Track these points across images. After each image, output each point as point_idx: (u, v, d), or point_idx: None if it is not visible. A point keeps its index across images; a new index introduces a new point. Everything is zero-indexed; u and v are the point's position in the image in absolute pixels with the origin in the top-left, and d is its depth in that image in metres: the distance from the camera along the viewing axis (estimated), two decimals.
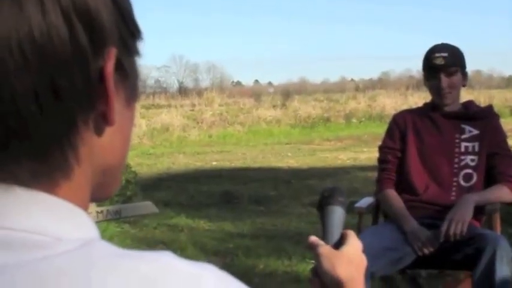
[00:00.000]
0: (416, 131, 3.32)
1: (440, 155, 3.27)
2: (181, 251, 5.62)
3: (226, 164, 13.03)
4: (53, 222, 0.57)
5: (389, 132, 3.41)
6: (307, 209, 7.97)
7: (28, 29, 0.54)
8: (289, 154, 14.49)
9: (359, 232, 3.18)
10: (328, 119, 20.87)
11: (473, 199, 3.07)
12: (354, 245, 1.16)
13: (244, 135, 18.94)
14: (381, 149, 3.42)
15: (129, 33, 0.63)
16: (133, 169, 8.90)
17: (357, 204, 3.32)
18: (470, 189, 3.20)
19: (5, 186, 0.56)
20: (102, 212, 3.80)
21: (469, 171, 3.24)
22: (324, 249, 1.17)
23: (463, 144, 3.27)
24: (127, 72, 0.63)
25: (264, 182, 10.33)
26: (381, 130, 14.54)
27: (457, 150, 3.26)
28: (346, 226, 1.26)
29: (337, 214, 1.20)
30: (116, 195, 8.18)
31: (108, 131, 0.61)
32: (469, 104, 3.43)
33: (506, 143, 3.32)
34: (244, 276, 4.75)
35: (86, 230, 0.59)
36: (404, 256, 3.03)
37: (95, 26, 0.57)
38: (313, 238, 1.19)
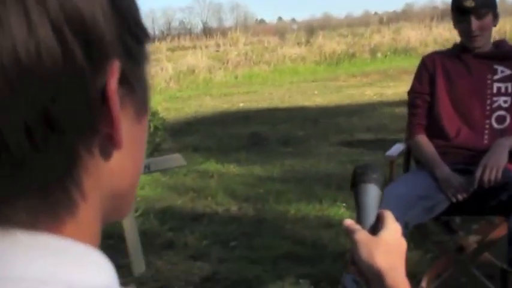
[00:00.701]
0: (447, 73, 3.24)
1: (472, 98, 3.19)
2: (212, 198, 5.66)
3: (253, 105, 12.99)
4: (60, 267, 0.50)
5: (418, 76, 3.34)
6: (336, 148, 7.96)
7: (11, 48, 0.45)
8: (316, 92, 14.40)
9: (391, 181, 3.16)
10: (353, 55, 20.61)
11: (508, 143, 3.02)
12: (392, 228, 1.10)
13: (270, 75, 18.82)
14: (410, 93, 3.35)
15: (134, 39, 0.54)
16: (161, 115, 8.91)
17: (388, 153, 3.27)
18: (503, 132, 3.13)
19: (1, 231, 0.49)
20: None
21: (502, 113, 3.16)
22: (361, 235, 1.10)
23: (495, 85, 3.19)
24: (134, 84, 0.55)
25: (291, 122, 10.31)
26: (407, 64, 14.53)
27: (489, 91, 3.19)
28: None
29: (372, 193, 1.15)
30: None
31: (117, 154, 0.54)
32: (501, 43, 3.33)
33: None
34: (276, 222, 4.78)
35: (98, 273, 0.52)
36: (437, 204, 3.00)
37: (92, 38, 0.49)
38: (349, 222, 1.13)
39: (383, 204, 2.73)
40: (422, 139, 3.23)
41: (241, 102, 13.62)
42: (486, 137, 3.14)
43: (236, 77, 18.73)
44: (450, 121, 3.19)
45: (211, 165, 7.20)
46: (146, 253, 4.23)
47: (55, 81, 0.47)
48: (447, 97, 3.22)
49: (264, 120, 10.68)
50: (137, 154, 0.59)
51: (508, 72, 3.19)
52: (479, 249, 3.11)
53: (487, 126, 3.15)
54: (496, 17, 3.19)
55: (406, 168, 3.45)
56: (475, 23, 3.10)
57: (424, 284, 3.34)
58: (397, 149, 3.38)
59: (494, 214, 3.02)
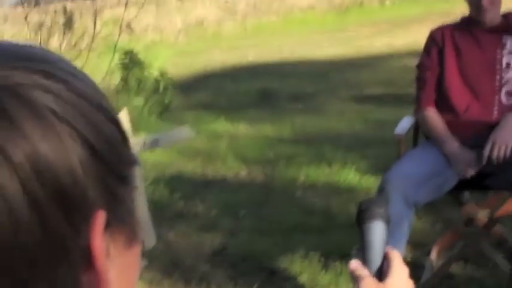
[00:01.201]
0: (456, 46, 3.18)
1: (481, 72, 3.14)
2: (222, 162, 5.65)
3: (263, 58, 12.88)
4: None
5: (426, 50, 3.28)
6: (346, 104, 7.91)
7: None
8: (325, 44, 14.26)
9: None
10: (361, 3, 20.31)
11: None
12: (399, 274, 1.06)
13: (280, 25, 18.61)
14: (418, 67, 3.31)
15: (118, 179, 0.50)
16: (169, 75, 8.87)
17: (396, 131, 3.22)
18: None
19: None
20: (139, 143, 3.79)
21: (511, 88, 3.13)
22: (367, 283, 1.08)
23: (505, 59, 3.14)
24: (121, 221, 0.51)
25: (300, 76, 10.24)
26: (416, 11, 14.16)
27: (498, 66, 3.13)
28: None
29: (378, 230, 1.12)
30: (154, 104, 8.20)
31: None
32: (510, 15, 3.26)
33: None
34: (285, 190, 4.78)
35: None
36: (447, 180, 2.98)
37: (71, 199, 0.44)
38: (354, 265, 1.09)
39: (391, 184, 2.73)
40: (432, 113, 3.20)
41: (250, 55, 13.51)
42: (495, 112, 3.10)
43: (245, 29, 18.56)
44: (459, 96, 3.15)
45: (221, 125, 7.17)
46: (157, 224, 4.24)
47: (28, 260, 0.43)
48: (457, 71, 3.17)
49: (273, 75, 10.61)
50: (129, 279, 0.56)
51: None
52: (490, 223, 3.10)
53: (496, 101, 3.11)
54: None
55: (415, 143, 3.42)
56: None
57: (433, 256, 3.34)
58: (405, 124, 3.33)
59: (503, 189, 3.00)
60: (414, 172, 2.87)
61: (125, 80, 8.60)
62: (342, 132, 6.45)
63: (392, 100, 7.29)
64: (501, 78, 3.12)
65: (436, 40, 3.22)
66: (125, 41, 9.49)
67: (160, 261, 3.76)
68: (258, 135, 6.61)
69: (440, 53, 3.19)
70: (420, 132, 3.35)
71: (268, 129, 6.85)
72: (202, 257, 3.79)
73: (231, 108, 8.25)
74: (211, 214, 4.39)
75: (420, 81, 3.28)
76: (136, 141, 3.79)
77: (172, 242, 4.01)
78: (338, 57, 11.99)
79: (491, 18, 3.11)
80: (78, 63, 7.62)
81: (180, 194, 4.82)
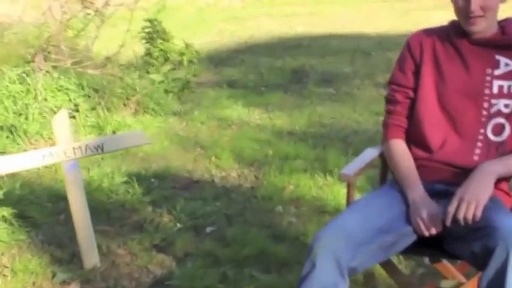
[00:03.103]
0: (436, 62, 2.49)
1: (465, 98, 2.43)
2: (216, 159, 5.11)
3: (311, 29, 12.18)
4: None
5: (400, 63, 2.60)
6: (379, 91, 7.21)
7: None
8: (382, 15, 13.44)
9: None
10: None
11: (495, 169, 2.30)
12: None
13: None
14: (390, 84, 2.65)
15: None
16: (196, 47, 8.29)
17: (343, 171, 2.56)
18: (500, 147, 2.40)
19: None
20: (80, 148, 3.27)
21: (501, 120, 2.41)
22: None
23: (496, 82, 2.43)
24: None
25: (342, 54, 9.55)
26: None
27: (487, 91, 2.42)
28: None
29: None
30: (173, 81, 7.64)
31: None
32: (508, 24, 2.53)
33: None
34: (268, 201, 4.22)
35: None
36: (400, 238, 2.33)
37: None
38: None
39: (321, 243, 2.11)
40: (399, 146, 2.56)
41: (300, 25, 12.82)
42: (478, 151, 2.41)
43: None
44: (435, 126, 2.47)
45: (235, 111, 6.60)
46: (111, 238, 3.76)
47: None
48: (434, 95, 2.48)
49: (314, 51, 9.93)
50: None
51: None
52: None
53: (481, 136, 2.42)
54: None
55: (383, 178, 2.77)
56: (475, 1, 2.35)
57: None
58: (361, 159, 2.67)
59: (464, 259, 2.34)
60: (355, 227, 2.22)
61: (148, 53, 8.07)
62: (357, 130, 5.80)
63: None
64: (490, 106, 2.43)
65: (413, 52, 2.55)
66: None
67: (94, 286, 3.27)
68: (267, 127, 6.01)
69: (417, 69, 2.53)
70: (389, 169, 2.69)
71: (281, 120, 6.24)
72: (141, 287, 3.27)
73: (255, 90, 7.68)
74: (174, 229, 3.85)
75: (390, 103, 2.63)
76: (76, 146, 3.27)
77: (116, 263, 3.50)
78: (389, 32, 11.21)
79: (483, 28, 2.41)
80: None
81: (151, 197, 4.31)
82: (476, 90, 2.43)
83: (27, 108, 5.87)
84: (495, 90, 2.42)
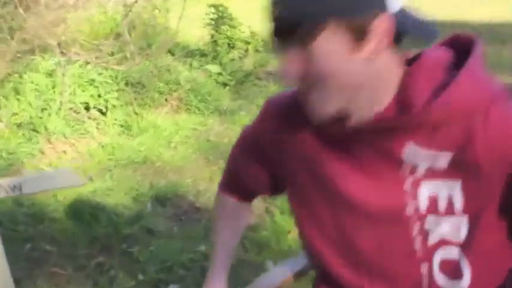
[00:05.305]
0: (312, 172, 1.37)
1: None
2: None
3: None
4: None
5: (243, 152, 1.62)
6: None
7: None
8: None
9: None
10: None
11: None
12: None
13: None
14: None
15: None
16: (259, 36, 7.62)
17: None
18: None
19: None
20: None
21: (451, 253, 1.28)
22: None
23: (422, 193, 1.24)
24: None
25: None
26: None
27: (408, 211, 1.26)
28: None
29: None
30: (233, 72, 6.98)
31: None
32: (412, 81, 1.21)
33: None
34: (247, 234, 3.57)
35: None
36: None
37: None
38: None
39: None
40: (228, 207, 1.73)
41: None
42: None
43: None
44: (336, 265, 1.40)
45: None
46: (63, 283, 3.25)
47: None
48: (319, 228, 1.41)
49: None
50: None
51: (442, 153, 1.18)
52: None
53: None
54: (360, 36, 1.13)
55: None
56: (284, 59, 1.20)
57: None
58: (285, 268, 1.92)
59: None
60: None
61: (213, 41, 7.48)
62: None
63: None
64: (424, 238, 1.30)
65: (262, 145, 1.49)
66: None
67: None
68: None
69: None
70: None
71: None
72: None
73: None
74: (131, 283, 3.27)
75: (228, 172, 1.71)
76: None
77: None
78: (490, 21, 10.11)
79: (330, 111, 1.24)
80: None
81: (131, 230, 3.73)
82: (393, 215, 1.28)
83: (50, 103, 5.44)
84: (422, 206, 1.25)
